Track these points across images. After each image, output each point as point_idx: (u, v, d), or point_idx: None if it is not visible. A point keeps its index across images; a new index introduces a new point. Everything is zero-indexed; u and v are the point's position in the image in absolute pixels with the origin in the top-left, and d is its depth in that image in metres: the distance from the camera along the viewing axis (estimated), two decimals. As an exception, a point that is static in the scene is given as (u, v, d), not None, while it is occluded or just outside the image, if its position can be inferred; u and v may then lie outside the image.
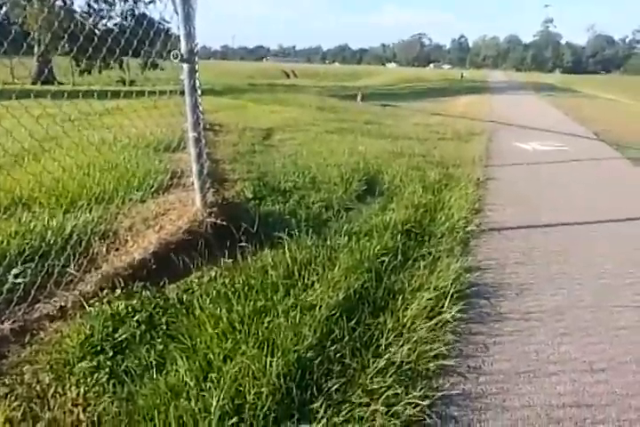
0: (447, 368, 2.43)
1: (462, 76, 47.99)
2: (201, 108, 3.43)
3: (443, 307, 2.88)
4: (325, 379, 2.23)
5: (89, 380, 2.17)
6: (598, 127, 12.14)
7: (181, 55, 3.24)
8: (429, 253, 3.72)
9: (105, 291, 2.86)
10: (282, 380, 2.13)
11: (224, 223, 3.55)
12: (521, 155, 8.42)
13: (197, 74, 3.35)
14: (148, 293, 2.88)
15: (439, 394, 2.21)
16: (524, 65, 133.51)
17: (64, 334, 2.49)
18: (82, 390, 2.11)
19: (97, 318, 2.59)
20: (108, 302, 2.75)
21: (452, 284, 3.14)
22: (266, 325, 2.53)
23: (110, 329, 2.51)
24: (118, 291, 2.84)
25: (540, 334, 2.79)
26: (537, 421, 2.10)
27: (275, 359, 2.21)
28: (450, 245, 3.91)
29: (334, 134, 9.32)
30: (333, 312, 2.70)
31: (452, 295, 3.04)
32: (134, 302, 2.75)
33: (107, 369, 2.24)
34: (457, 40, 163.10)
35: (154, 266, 3.17)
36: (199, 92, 3.39)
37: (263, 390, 2.06)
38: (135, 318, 2.58)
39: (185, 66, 3.30)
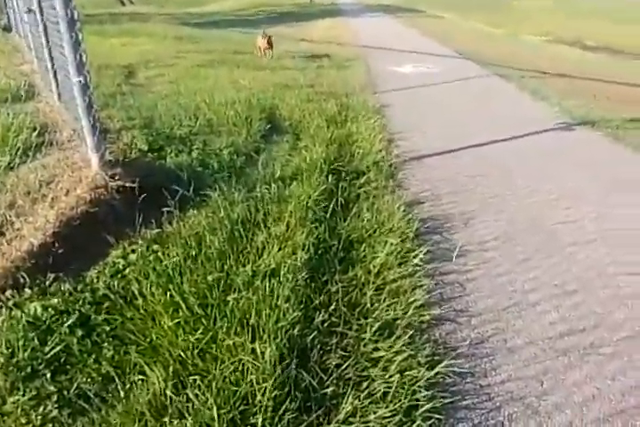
0: (437, 317, 2.30)
1: (311, 0, 46.49)
2: (84, 46, 2.67)
3: (407, 251, 2.71)
4: (327, 356, 1.96)
5: (33, 417, 1.66)
6: (458, 46, 12.56)
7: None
8: (365, 193, 3.52)
9: (7, 292, 2.22)
10: (281, 369, 1.82)
11: (134, 185, 2.95)
12: (402, 79, 8.37)
13: (73, 2, 2.56)
14: (68, 286, 2.30)
15: (443, 347, 2.08)
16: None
17: (-29, 360, 1.89)
18: (29, 433, 1.61)
19: (11, 329, 2.00)
20: (18, 306, 2.15)
21: (404, 224, 2.99)
22: (232, 303, 2.15)
23: (36, 343, 1.95)
24: (27, 290, 2.22)
25: (505, 264, 2.77)
26: (546, 356, 2.06)
27: (265, 344, 1.87)
28: (381, 182, 3.72)
29: (207, 68, 8.42)
30: (301, 275, 2.39)
31: (407, 236, 2.90)
32: (54, 301, 2.17)
33: (53, 398, 1.73)
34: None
35: (60, 250, 2.54)
36: (78, 24, 2.62)
37: (265, 385, 1.73)
38: (66, 324, 2.03)
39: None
